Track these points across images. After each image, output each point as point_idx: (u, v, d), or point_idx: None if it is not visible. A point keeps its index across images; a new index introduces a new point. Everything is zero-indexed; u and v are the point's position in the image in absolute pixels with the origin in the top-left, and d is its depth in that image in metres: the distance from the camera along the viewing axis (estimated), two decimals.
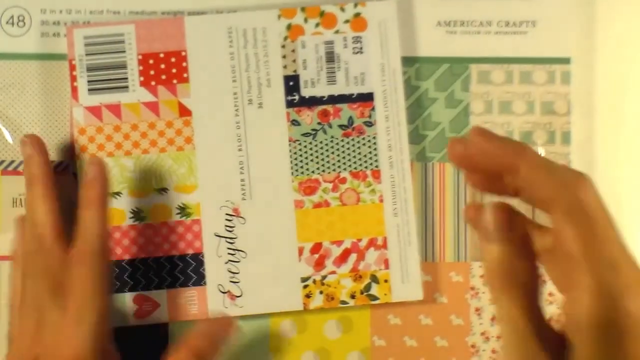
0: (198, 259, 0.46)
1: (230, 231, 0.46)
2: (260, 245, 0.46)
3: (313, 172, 0.47)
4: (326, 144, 0.47)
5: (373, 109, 0.47)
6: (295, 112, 0.47)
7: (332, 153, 0.47)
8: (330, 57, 0.47)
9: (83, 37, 0.46)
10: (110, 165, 0.46)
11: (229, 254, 0.46)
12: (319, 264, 0.46)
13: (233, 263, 0.46)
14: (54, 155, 0.46)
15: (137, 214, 0.46)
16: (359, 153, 0.47)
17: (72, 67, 0.46)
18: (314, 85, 0.47)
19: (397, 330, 0.47)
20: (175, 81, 0.46)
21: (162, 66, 0.46)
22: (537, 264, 0.32)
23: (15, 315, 0.43)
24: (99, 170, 0.42)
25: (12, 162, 0.47)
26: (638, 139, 0.49)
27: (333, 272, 0.46)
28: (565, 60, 0.48)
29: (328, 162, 0.47)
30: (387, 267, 0.46)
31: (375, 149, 0.47)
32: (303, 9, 0.47)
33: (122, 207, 0.46)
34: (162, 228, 0.46)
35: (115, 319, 0.45)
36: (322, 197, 0.47)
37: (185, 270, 0.46)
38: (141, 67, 0.46)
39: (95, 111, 0.46)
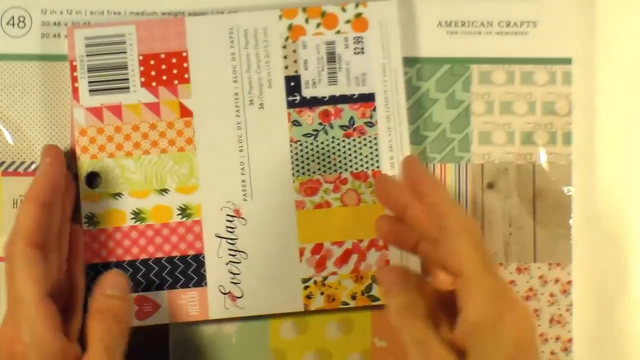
0: (199, 260, 0.46)
1: (231, 232, 0.46)
2: (261, 246, 0.46)
3: (314, 172, 0.46)
4: (327, 145, 0.47)
5: (374, 109, 0.47)
6: (296, 113, 0.47)
7: (333, 154, 0.47)
8: (332, 57, 0.47)
9: (84, 38, 0.46)
10: (111, 166, 0.46)
11: (229, 254, 0.46)
12: (320, 265, 0.46)
13: (234, 264, 0.46)
14: None
15: (137, 215, 0.46)
16: (360, 153, 0.47)
17: (73, 68, 0.46)
18: (315, 86, 0.47)
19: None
20: (176, 82, 0.46)
21: (163, 67, 0.46)
22: (431, 299, 0.39)
23: None
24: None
25: (13, 163, 0.47)
26: (639, 139, 0.49)
27: (334, 273, 0.46)
28: (567, 61, 0.48)
29: (329, 162, 0.47)
30: None
31: (376, 150, 0.46)
32: (304, 10, 0.47)
33: (122, 208, 0.46)
34: (163, 229, 0.46)
35: None
36: (323, 198, 0.46)
37: (186, 271, 0.46)
38: (142, 68, 0.46)
39: (96, 112, 0.46)
